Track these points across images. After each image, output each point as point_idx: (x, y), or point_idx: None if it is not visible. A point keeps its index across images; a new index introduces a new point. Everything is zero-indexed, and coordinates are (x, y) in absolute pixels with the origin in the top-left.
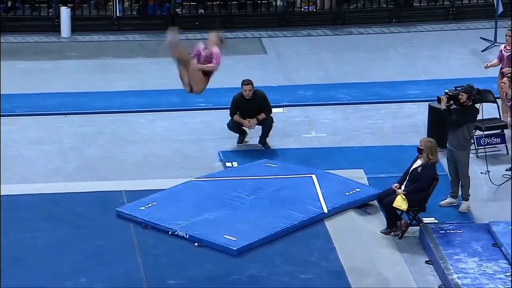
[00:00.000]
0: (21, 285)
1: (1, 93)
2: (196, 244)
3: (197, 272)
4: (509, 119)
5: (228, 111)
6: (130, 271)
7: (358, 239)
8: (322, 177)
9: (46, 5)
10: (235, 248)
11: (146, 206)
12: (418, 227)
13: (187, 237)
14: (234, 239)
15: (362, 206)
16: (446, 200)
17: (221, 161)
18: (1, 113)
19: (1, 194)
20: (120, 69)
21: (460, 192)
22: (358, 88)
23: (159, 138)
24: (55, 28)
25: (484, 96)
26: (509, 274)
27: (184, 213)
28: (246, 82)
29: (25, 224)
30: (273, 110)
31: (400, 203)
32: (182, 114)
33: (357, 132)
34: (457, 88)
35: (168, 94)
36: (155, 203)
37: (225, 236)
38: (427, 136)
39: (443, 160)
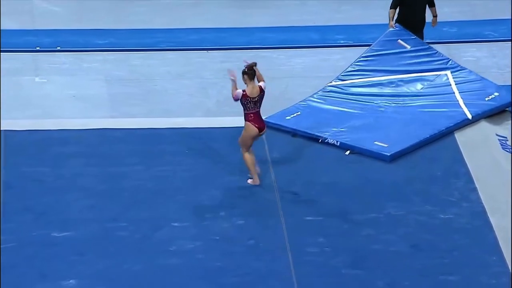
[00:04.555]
0: (159, 216)
1: (145, 28)
2: (347, 152)
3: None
4: None
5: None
6: (268, 206)
7: (501, 179)
8: (458, 75)
9: None
10: (388, 154)
11: (292, 116)
12: None
13: (338, 144)
14: (386, 145)
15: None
16: None
17: None
18: (145, 48)
19: (144, 127)
20: (260, 5)
21: None
22: (505, 24)
23: (297, 75)
24: None
25: None
26: None
27: (330, 121)
28: None
29: (166, 157)
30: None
31: None
32: (322, 51)
33: (503, 71)
34: None
35: (307, 31)
36: (299, 112)
37: (376, 142)
38: None
39: None
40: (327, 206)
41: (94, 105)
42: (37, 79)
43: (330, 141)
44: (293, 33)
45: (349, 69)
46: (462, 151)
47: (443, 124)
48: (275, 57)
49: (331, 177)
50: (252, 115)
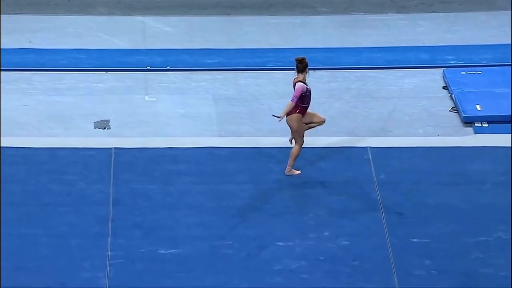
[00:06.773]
0: (264, 235)
1: (254, 47)
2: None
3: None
4: None
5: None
6: (374, 227)
7: None
8: None
9: None
10: (464, 115)
11: (468, 72)
12: None
13: (453, 98)
14: (480, 109)
15: None
16: None
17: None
18: (253, 68)
19: (251, 146)
20: (369, 25)
21: None
22: None
23: (406, 95)
24: None
25: None
26: None
27: (486, 84)
28: None
29: (272, 176)
30: None
31: None
32: (431, 71)
33: None
34: None
35: (417, 51)
36: (481, 71)
37: (477, 105)
38: None
39: None
40: (434, 228)
41: (202, 123)
42: (146, 97)
43: (452, 95)
44: (401, 53)
45: None
46: None
47: None
48: (383, 77)
49: (439, 199)
50: (300, 108)
